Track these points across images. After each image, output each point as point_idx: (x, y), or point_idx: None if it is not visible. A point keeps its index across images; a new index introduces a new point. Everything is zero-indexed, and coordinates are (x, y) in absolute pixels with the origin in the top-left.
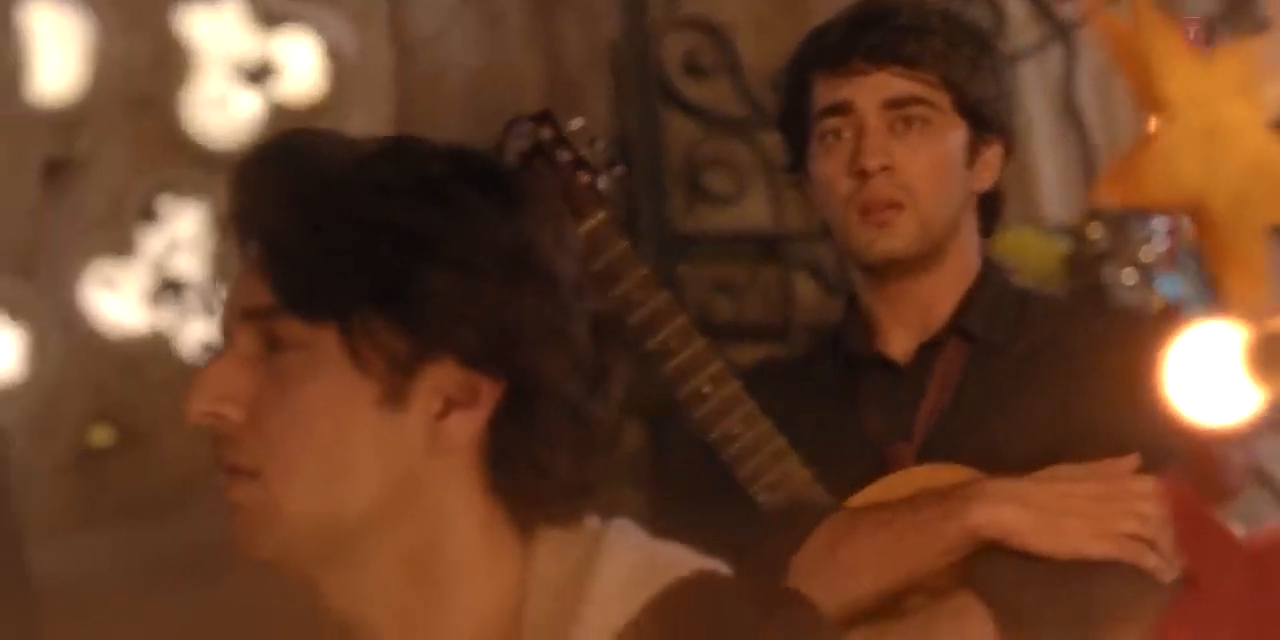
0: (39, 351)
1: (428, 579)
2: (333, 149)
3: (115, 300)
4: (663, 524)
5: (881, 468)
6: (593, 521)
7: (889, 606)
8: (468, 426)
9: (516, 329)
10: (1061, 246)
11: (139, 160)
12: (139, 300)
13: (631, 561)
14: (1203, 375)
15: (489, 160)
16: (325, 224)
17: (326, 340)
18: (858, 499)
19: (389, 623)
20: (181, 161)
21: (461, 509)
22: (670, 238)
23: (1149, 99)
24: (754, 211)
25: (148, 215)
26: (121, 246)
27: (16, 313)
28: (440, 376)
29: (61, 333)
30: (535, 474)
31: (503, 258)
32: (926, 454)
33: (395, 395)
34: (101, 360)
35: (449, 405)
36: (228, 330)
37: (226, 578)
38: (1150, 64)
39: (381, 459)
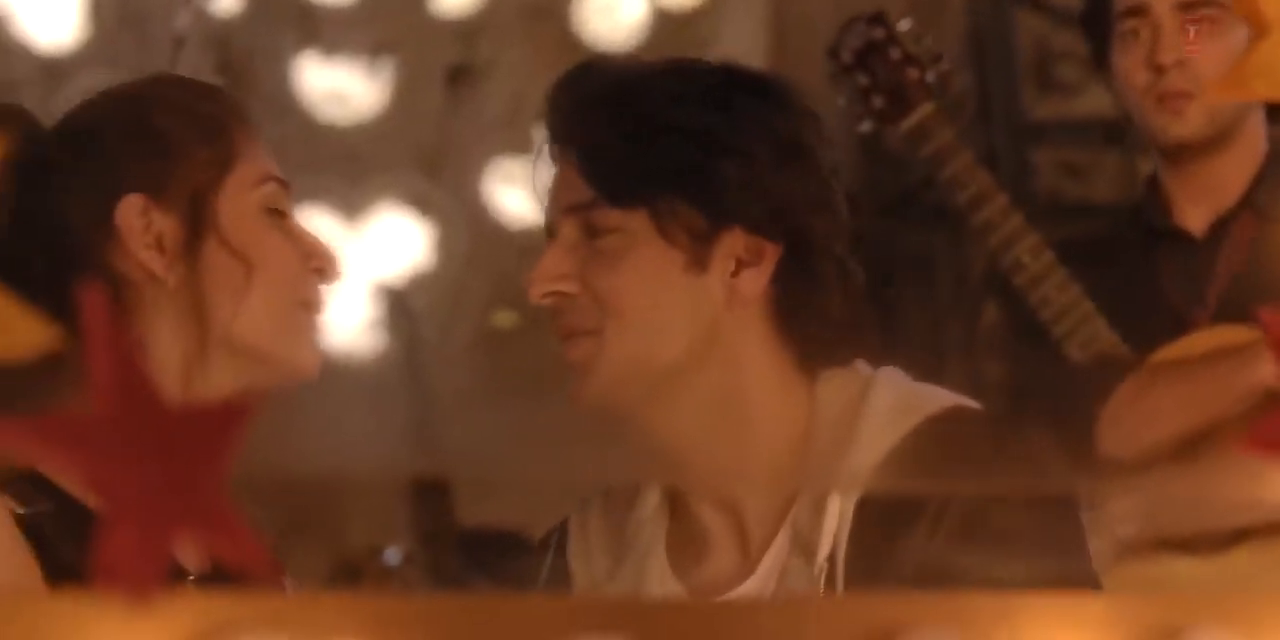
0: (446, 243)
1: (731, 413)
2: (628, 70)
3: (515, 195)
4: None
5: (1179, 329)
6: (866, 368)
7: (1185, 453)
8: (756, 281)
9: (788, 201)
10: None
11: (535, 64)
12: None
13: (895, 399)
14: None
15: (757, 72)
16: (631, 131)
17: (639, 223)
18: (1158, 356)
19: (701, 451)
20: (574, 64)
21: (756, 354)
22: (1022, 125)
23: (1256, 19)
24: (1099, 99)
25: (543, 116)
26: (520, 145)
27: (425, 209)
28: (731, 243)
29: (466, 226)
30: (811, 315)
31: (774, 147)
32: (1219, 317)
33: (698, 260)
34: (503, 250)
35: (740, 265)
36: (550, 225)
37: (612, 448)
38: None
39: (691, 312)
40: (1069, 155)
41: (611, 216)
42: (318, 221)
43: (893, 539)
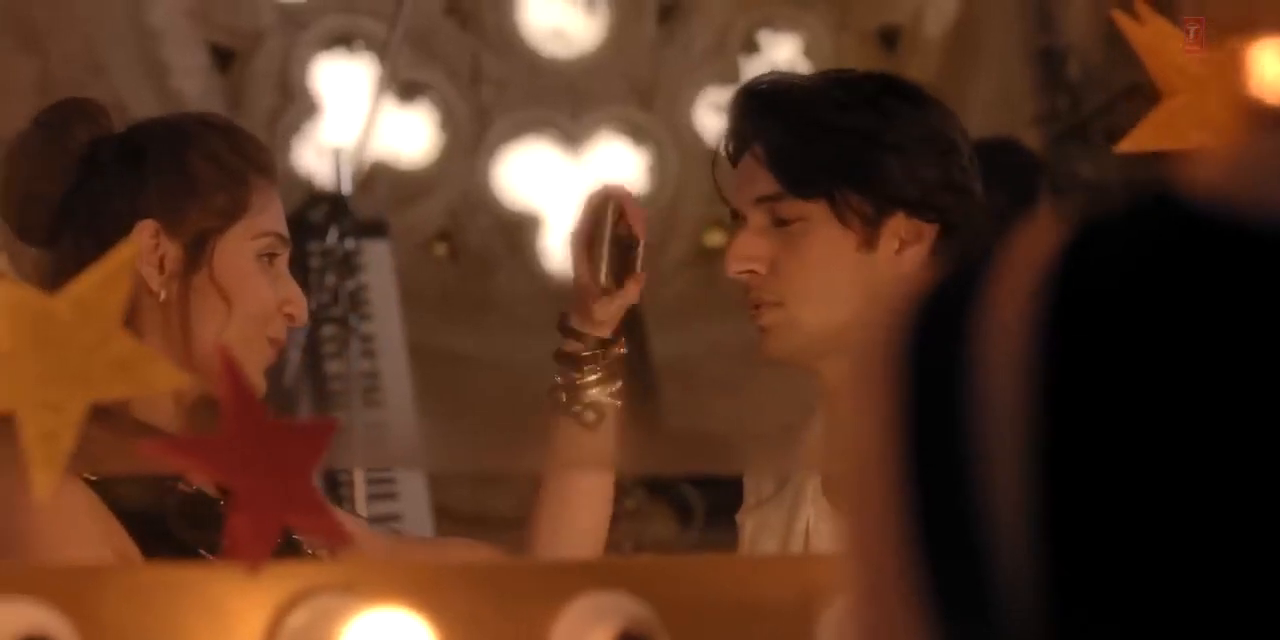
0: (659, 169)
1: None
2: (798, 81)
3: (723, 122)
4: None
5: None
6: None
7: None
8: (917, 256)
9: (939, 187)
10: None
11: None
12: None
13: None
14: None
15: (905, 80)
16: (808, 133)
17: (819, 211)
18: None
19: None
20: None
21: None
22: None
23: (1164, 82)
24: None
25: (750, 47)
26: (727, 76)
27: (639, 137)
28: (895, 225)
29: (678, 152)
30: None
31: (926, 142)
32: None
33: (868, 241)
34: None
35: (903, 244)
36: (739, 211)
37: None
38: (1163, 56)
39: (862, 285)
40: None
41: (795, 206)
42: (541, 152)
43: None
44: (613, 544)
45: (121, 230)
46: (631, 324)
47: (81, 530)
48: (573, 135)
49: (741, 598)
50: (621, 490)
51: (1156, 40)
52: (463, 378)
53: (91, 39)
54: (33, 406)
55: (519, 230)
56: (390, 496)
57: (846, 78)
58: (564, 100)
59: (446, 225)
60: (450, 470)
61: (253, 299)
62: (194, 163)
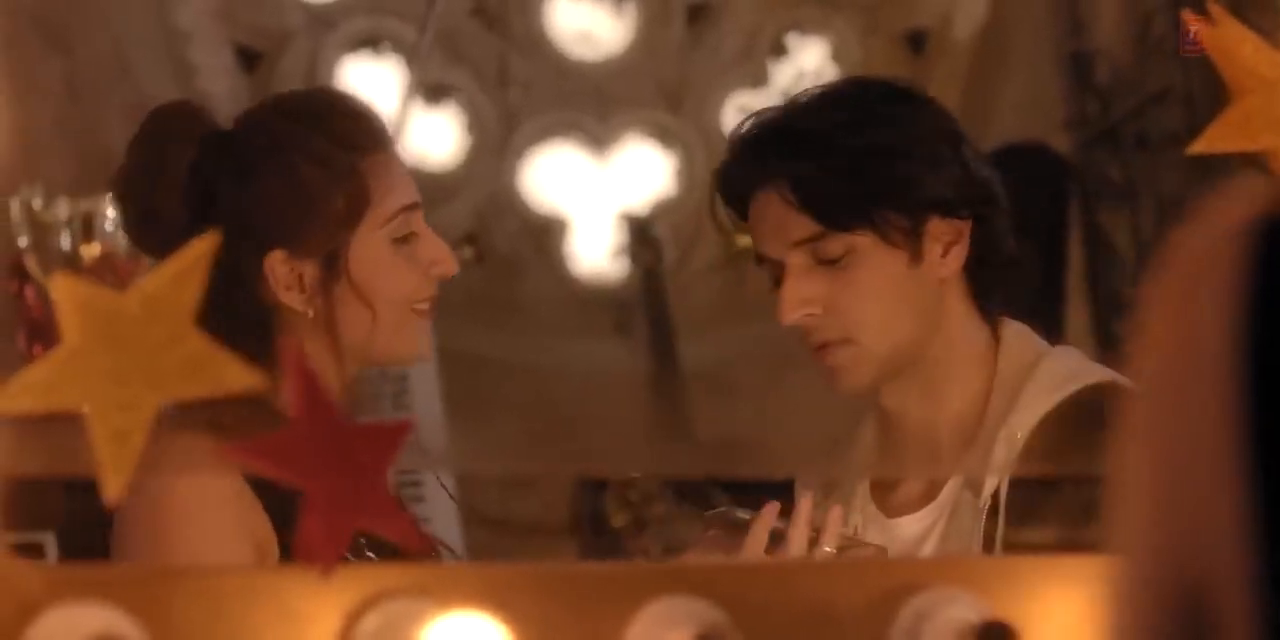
0: (687, 172)
1: (938, 374)
2: (793, 113)
3: None
4: None
5: None
6: (1044, 344)
7: None
8: (960, 254)
9: (959, 181)
10: None
11: (769, 2)
12: None
13: (1061, 370)
14: None
15: (883, 80)
16: (830, 164)
17: (864, 240)
18: None
19: (913, 406)
20: (807, 2)
21: (958, 316)
22: None
23: (1234, 82)
24: None
25: (778, 51)
26: (756, 79)
27: (667, 140)
28: (934, 230)
29: (706, 156)
30: (991, 257)
31: (934, 138)
32: None
33: (915, 254)
34: None
35: (946, 246)
36: (767, 257)
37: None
38: (1236, 58)
39: (919, 299)
40: None
41: (839, 241)
42: (568, 155)
43: (1047, 484)
44: (641, 549)
45: (254, 260)
46: (660, 328)
47: (222, 526)
48: (600, 138)
49: (815, 602)
50: (650, 495)
51: (1229, 41)
52: (489, 380)
53: (118, 40)
54: (103, 404)
55: (545, 233)
56: (418, 499)
57: (834, 96)
58: (591, 103)
59: (473, 228)
60: (478, 473)
61: (394, 289)
62: (303, 173)
